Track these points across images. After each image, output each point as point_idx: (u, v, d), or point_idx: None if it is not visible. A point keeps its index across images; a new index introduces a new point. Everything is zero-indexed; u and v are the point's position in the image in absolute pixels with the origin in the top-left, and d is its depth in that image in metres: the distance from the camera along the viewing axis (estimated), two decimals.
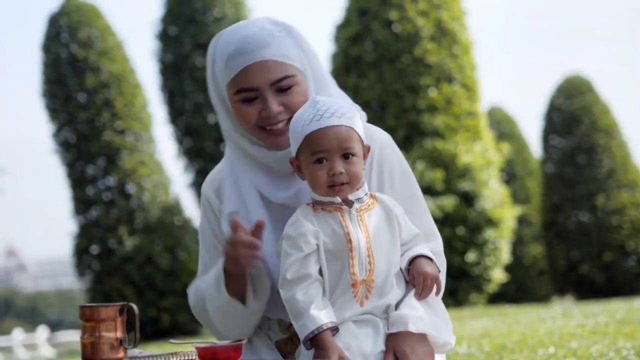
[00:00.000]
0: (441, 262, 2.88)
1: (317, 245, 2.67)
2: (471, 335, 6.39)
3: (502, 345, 5.30)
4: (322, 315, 2.61)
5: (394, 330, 2.68)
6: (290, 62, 2.84)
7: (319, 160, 2.69)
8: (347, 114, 2.75)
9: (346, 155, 2.70)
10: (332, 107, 2.74)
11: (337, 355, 2.58)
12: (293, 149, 2.75)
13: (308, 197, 2.81)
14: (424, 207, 2.95)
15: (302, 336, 2.61)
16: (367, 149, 2.78)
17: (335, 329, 2.61)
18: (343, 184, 2.69)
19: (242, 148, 2.93)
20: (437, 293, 2.77)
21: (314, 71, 2.91)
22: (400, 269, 2.76)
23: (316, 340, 2.59)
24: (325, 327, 2.59)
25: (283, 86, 2.82)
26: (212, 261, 2.96)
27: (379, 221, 2.74)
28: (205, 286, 2.88)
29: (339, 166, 2.69)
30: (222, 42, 2.88)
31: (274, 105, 2.81)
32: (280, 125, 2.83)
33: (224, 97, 2.91)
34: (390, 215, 2.77)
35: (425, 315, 2.71)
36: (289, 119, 2.83)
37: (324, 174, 2.68)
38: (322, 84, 2.94)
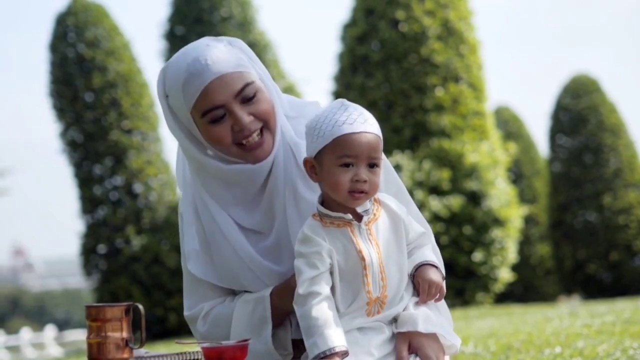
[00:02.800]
0: (437, 255, 2.88)
1: (331, 264, 2.65)
2: (478, 334, 6.39)
3: (509, 344, 5.29)
4: (334, 337, 2.58)
5: (403, 329, 2.68)
6: (246, 70, 2.80)
7: (346, 165, 2.65)
8: (376, 124, 2.72)
9: (371, 165, 2.67)
10: (364, 113, 2.70)
11: None
12: (312, 149, 2.70)
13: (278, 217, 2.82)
14: (410, 199, 2.94)
15: (311, 354, 2.59)
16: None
17: (345, 354, 2.59)
18: (363, 192, 2.66)
19: (210, 172, 2.87)
20: (439, 300, 2.77)
21: (267, 78, 2.88)
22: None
23: None
24: (336, 350, 2.56)
25: (247, 95, 2.77)
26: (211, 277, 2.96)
27: (387, 231, 2.72)
28: (238, 324, 2.87)
29: (364, 174, 2.65)
30: (170, 74, 2.82)
31: (244, 116, 2.76)
32: (256, 136, 2.79)
33: (186, 126, 2.85)
34: (397, 221, 2.74)
35: (433, 316, 2.71)
36: (262, 129, 2.80)
37: (347, 178, 2.64)
38: (276, 91, 2.91)
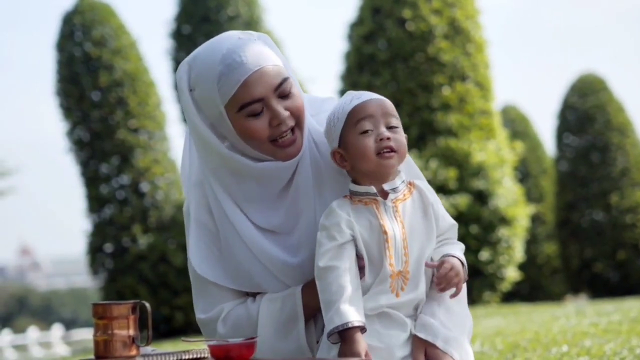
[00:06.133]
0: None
1: (352, 235, 2.68)
2: (484, 333, 6.39)
3: (515, 343, 5.29)
4: (351, 312, 2.59)
5: (422, 336, 2.70)
6: (281, 65, 2.78)
7: (365, 132, 2.70)
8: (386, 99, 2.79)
9: (390, 128, 2.74)
10: (370, 92, 2.79)
11: (364, 352, 2.56)
12: (336, 141, 2.74)
13: (300, 218, 2.81)
14: (435, 194, 2.94)
15: (328, 328, 2.60)
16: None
17: (363, 330, 2.59)
18: (392, 150, 2.71)
19: (231, 167, 2.81)
20: (456, 294, 2.77)
21: (294, 75, 2.86)
22: (426, 263, 2.76)
23: (342, 335, 2.59)
24: (351, 325, 2.57)
25: (285, 90, 2.75)
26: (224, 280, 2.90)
27: (415, 211, 2.75)
28: (264, 323, 2.82)
29: (386, 132, 2.72)
30: (199, 67, 2.75)
31: (282, 110, 2.73)
32: (289, 134, 2.76)
33: (211, 120, 2.79)
34: (426, 204, 2.78)
35: (452, 330, 2.74)
36: (293, 128, 2.78)
37: (371, 141, 2.70)
38: (300, 88, 2.89)
